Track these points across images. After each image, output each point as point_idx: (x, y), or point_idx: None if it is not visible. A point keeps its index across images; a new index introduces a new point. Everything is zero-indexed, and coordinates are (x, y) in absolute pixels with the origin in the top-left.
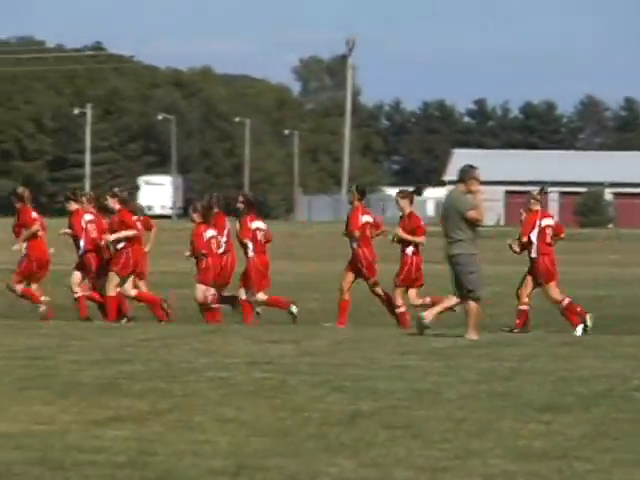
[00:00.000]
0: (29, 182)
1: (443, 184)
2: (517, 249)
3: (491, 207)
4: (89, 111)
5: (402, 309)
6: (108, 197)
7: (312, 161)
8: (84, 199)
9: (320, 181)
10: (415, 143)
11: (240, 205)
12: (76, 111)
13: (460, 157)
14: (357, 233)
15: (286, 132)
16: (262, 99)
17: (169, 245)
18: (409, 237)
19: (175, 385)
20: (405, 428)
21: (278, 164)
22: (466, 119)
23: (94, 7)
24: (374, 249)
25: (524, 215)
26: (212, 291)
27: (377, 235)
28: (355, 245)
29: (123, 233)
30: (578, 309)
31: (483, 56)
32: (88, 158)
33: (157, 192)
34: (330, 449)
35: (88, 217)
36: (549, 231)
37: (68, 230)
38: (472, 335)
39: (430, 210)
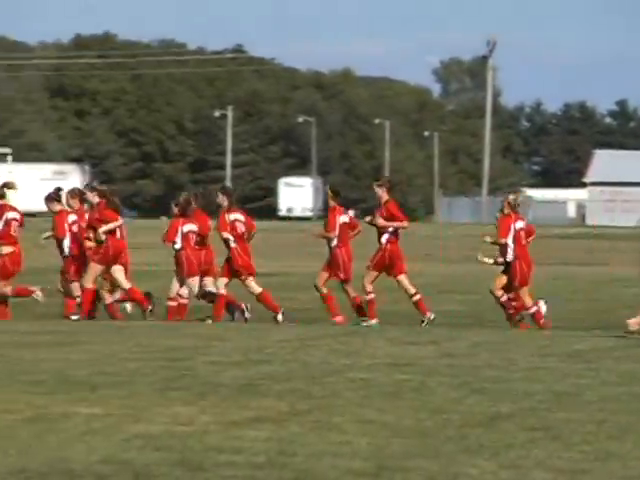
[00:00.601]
0: (170, 184)
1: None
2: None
3: (633, 208)
4: (230, 113)
5: (371, 296)
6: (87, 191)
7: (452, 163)
8: (68, 195)
9: (460, 183)
10: (556, 144)
11: (221, 198)
12: (217, 113)
13: (601, 158)
14: (333, 235)
15: (426, 134)
16: (402, 101)
17: (308, 247)
18: (386, 223)
19: (314, 386)
20: (544, 430)
21: (418, 166)
22: (607, 120)
23: (235, 10)
24: (350, 249)
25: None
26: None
27: (355, 234)
28: (333, 244)
29: (111, 225)
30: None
31: (625, 57)
32: (229, 160)
33: (297, 194)
34: (470, 451)
35: (72, 218)
36: (523, 233)
37: (49, 233)
38: None
39: (571, 212)
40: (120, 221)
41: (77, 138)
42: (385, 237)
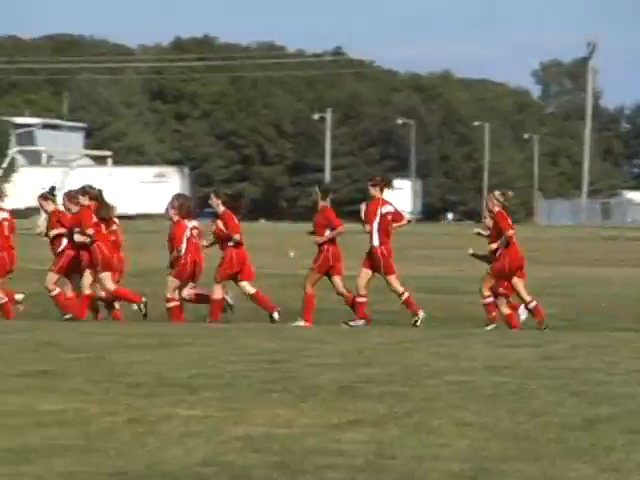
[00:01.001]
0: (269, 187)
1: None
2: (493, 246)
3: None
4: (329, 116)
5: (363, 299)
6: (79, 195)
7: (552, 165)
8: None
9: (560, 185)
10: None
11: (215, 202)
12: (316, 116)
13: None
14: (341, 228)
15: (526, 136)
16: (501, 103)
17: (410, 250)
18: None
19: (414, 389)
20: None
21: (517, 168)
22: None
23: (334, 12)
24: (338, 248)
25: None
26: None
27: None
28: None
29: (77, 237)
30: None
31: None
32: (328, 163)
33: (396, 196)
34: (568, 454)
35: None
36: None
37: (40, 230)
38: None
39: None
40: (88, 237)
41: (176, 141)
42: (376, 238)
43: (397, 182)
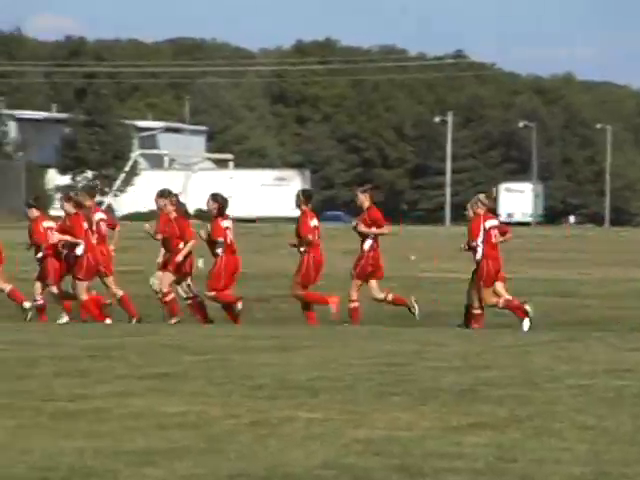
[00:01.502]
0: (390, 190)
1: None
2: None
3: None
4: (450, 119)
5: (354, 304)
6: (64, 200)
7: None
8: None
9: None
10: None
11: (211, 205)
12: (437, 119)
13: None
14: (309, 237)
15: None
16: (623, 106)
17: (527, 252)
18: (367, 230)
19: (535, 392)
20: None
21: (639, 171)
22: None
23: (455, 15)
24: (321, 253)
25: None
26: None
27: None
28: (302, 250)
29: (69, 239)
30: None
31: None
32: (449, 166)
33: (517, 199)
34: None
35: (47, 224)
36: (494, 232)
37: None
38: None
39: None
40: (80, 241)
41: (297, 144)
42: (368, 244)
43: (518, 185)
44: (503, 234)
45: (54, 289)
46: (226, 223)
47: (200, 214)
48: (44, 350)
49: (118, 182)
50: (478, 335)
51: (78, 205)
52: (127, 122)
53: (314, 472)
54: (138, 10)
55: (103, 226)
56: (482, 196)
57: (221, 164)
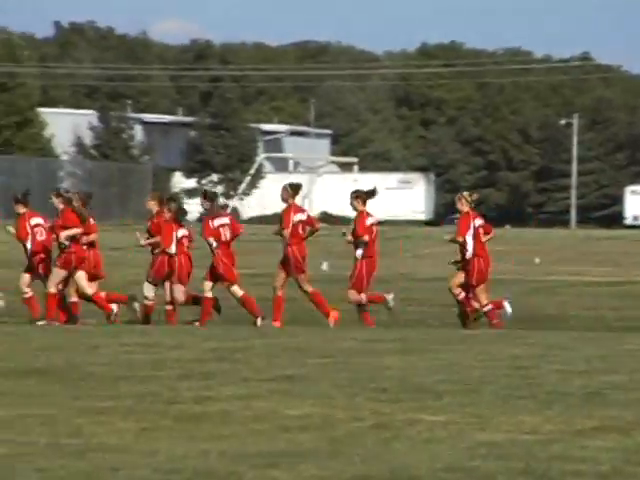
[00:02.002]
0: (515, 193)
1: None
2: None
3: None
4: (576, 121)
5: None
6: (53, 197)
7: None
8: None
9: None
10: None
11: (204, 203)
12: (562, 121)
13: None
14: (287, 231)
15: None
16: None
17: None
18: (353, 239)
19: None
20: None
21: None
22: None
23: (581, 17)
24: (305, 247)
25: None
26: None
27: (312, 233)
28: (285, 243)
29: (73, 231)
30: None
31: None
32: (574, 168)
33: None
34: None
35: (35, 221)
36: (482, 231)
37: (12, 230)
38: None
39: None
40: (80, 229)
41: (422, 147)
42: (359, 252)
43: None
44: (487, 233)
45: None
46: (219, 221)
47: (325, 217)
48: (170, 352)
49: (243, 185)
50: (603, 338)
51: (67, 202)
52: (252, 125)
53: (438, 475)
54: (264, 14)
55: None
56: (466, 193)
57: (345, 167)
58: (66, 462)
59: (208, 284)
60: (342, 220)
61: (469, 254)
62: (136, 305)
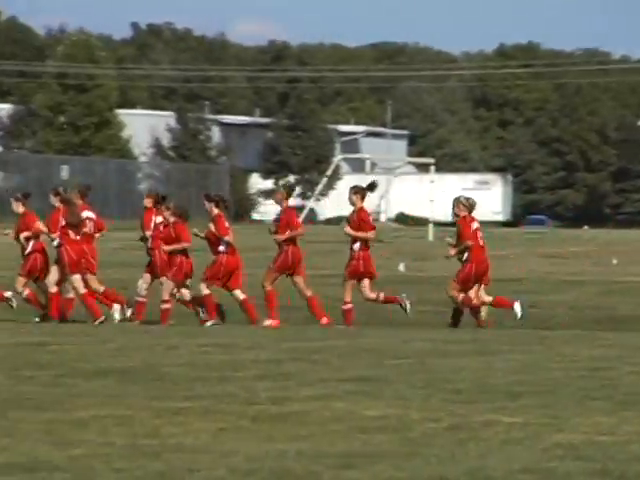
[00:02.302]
0: (593, 193)
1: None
2: (451, 252)
3: None
4: None
5: (348, 306)
6: (51, 194)
7: None
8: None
9: None
10: None
11: (209, 206)
12: None
13: None
14: (301, 230)
15: None
16: None
17: None
18: (354, 233)
19: None
20: None
21: None
22: None
23: None
24: (299, 248)
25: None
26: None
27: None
28: (284, 242)
29: (26, 233)
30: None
31: None
32: None
33: None
34: None
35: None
36: (480, 234)
37: (10, 232)
38: None
39: None
40: (43, 231)
41: (499, 148)
42: (357, 245)
43: None
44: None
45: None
46: (227, 224)
47: (401, 218)
48: (247, 353)
49: (320, 186)
50: None
51: (64, 201)
52: (329, 126)
53: (515, 476)
54: (341, 15)
55: (90, 225)
56: (463, 198)
57: (422, 168)
58: (143, 462)
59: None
60: (418, 221)
61: (466, 257)
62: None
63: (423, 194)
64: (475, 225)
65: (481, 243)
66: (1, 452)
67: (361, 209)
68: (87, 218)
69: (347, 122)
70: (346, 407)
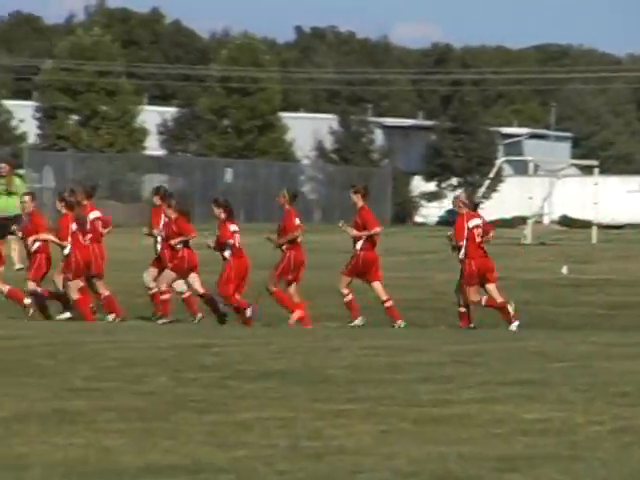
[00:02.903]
0: None
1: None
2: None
3: None
4: None
5: (349, 297)
6: (57, 201)
7: None
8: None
9: None
10: None
11: (217, 212)
12: None
13: None
14: (298, 233)
15: None
16: None
17: None
18: (358, 233)
19: None
20: None
21: None
22: None
23: None
24: (302, 252)
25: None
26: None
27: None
28: (283, 248)
29: (43, 235)
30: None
31: None
32: None
33: None
34: None
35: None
36: (477, 231)
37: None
38: None
39: None
40: (51, 236)
41: None
42: (359, 244)
43: None
44: (487, 233)
45: (31, 285)
46: (234, 227)
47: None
48: (409, 356)
49: (482, 189)
50: None
51: (69, 206)
52: (492, 129)
53: None
54: (504, 17)
55: (99, 225)
56: (463, 196)
57: (586, 170)
58: (306, 464)
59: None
60: (582, 224)
61: (461, 255)
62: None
63: (587, 196)
64: (474, 222)
65: (477, 240)
66: (165, 454)
67: (362, 208)
68: (95, 219)
69: (510, 124)
70: (508, 410)
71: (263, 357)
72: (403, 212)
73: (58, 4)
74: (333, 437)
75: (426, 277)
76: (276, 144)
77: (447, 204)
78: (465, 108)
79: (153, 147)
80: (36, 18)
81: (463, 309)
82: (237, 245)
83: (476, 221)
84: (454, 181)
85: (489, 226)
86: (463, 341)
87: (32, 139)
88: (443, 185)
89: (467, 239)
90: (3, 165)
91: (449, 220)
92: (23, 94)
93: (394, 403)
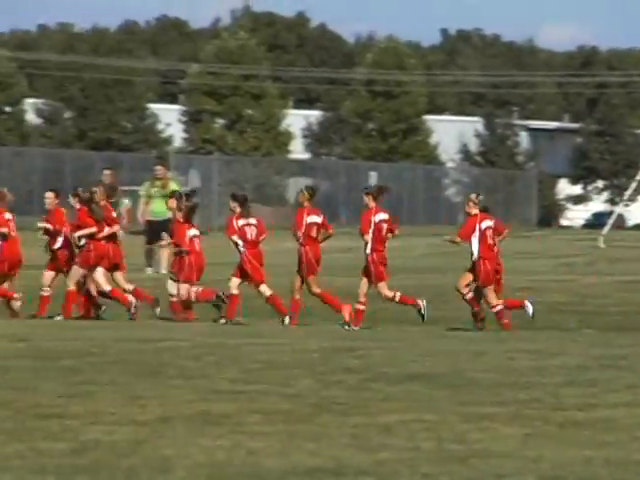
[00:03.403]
0: None
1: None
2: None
3: None
4: None
5: (419, 303)
6: (70, 196)
7: None
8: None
9: None
10: None
11: (232, 205)
12: None
13: None
14: (299, 233)
15: None
16: None
17: None
18: (367, 238)
19: None
20: None
21: None
22: None
23: None
24: (319, 249)
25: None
26: (195, 288)
27: (327, 237)
28: (298, 244)
29: (86, 230)
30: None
31: None
32: None
33: None
34: None
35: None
36: (489, 233)
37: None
38: None
39: None
40: (94, 229)
41: None
42: (369, 247)
43: None
44: (500, 233)
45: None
46: (242, 222)
47: None
48: (554, 359)
49: (629, 191)
50: None
51: (83, 201)
52: (638, 132)
53: None
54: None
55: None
56: (473, 196)
57: None
58: (450, 468)
59: (236, 281)
60: None
61: (475, 257)
62: (157, 311)
63: None
64: (486, 224)
65: (490, 242)
66: (309, 456)
67: (370, 210)
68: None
69: None
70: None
71: (407, 360)
72: (549, 215)
73: (204, 8)
74: (477, 440)
75: (571, 280)
76: (420, 147)
77: (593, 207)
78: (611, 111)
79: (298, 150)
80: (182, 22)
81: (477, 308)
82: (249, 238)
83: (488, 222)
84: (600, 184)
85: (502, 226)
86: (610, 344)
87: (178, 142)
88: (589, 188)
89: (480, 241)
90: (159, 167)
91: (595, 223)
92: (169, 98)
93: (539, 406)
